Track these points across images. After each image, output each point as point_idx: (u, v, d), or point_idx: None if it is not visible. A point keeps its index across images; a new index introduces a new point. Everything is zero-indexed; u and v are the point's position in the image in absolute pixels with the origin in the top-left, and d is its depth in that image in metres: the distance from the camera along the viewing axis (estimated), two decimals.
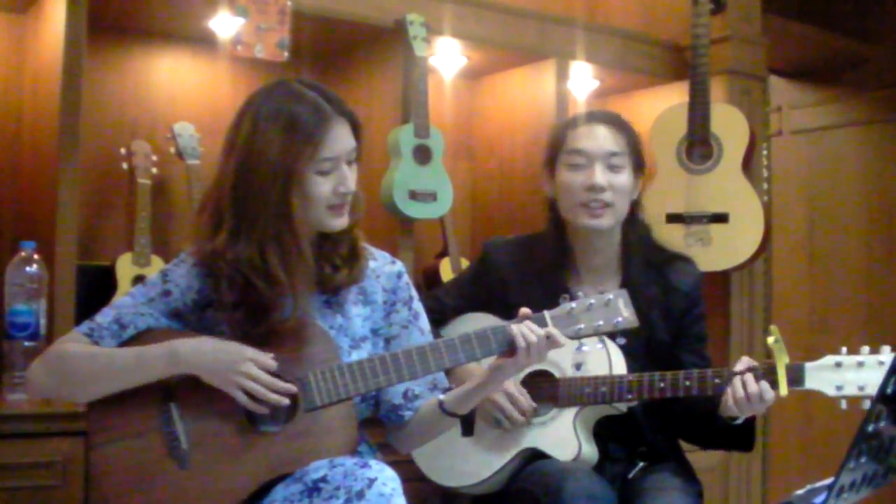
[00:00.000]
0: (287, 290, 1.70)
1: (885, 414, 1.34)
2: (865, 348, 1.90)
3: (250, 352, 1.66)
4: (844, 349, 1.91)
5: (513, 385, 2.08)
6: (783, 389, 1.90)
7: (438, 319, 2.22)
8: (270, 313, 1.71)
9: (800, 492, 1.45)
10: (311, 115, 1.69)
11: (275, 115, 1.69)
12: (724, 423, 2.01)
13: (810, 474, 1.71)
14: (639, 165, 2.20)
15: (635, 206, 2.21)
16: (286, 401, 1.65)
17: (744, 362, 1.98)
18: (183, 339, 1.68)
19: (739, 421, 2.00)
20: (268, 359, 1.66)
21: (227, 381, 1.64)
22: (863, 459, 1.35)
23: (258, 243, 1.68)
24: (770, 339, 1.90)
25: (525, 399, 2.08)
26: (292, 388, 1.66)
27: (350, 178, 1.74)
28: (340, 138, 1.72)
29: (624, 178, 2.15)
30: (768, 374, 1.92)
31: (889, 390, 1.32)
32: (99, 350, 1.71)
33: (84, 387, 1.71)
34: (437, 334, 2.11)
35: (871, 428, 1.32)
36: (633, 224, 2.22)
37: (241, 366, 1.64)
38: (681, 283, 2.18)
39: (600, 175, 2.12)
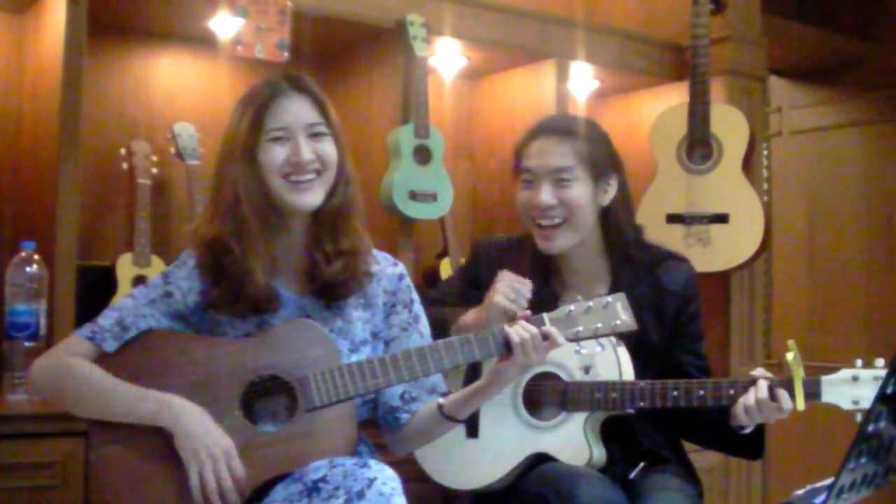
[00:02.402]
0: (240, 261, 1.72)
1: (885, 414, 1.34)
2: (880, 361, 1.89)
3: (234, 452, 1.64)
4: (860, 362, 1.90)
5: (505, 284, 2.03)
6: (800, 404, 1.90)
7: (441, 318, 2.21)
8: (242, 288, 1.72)
9: (800, 492, 1.45)
10: (262, 90, 1.76)
11: (238, 103, 1.79)
12: (733, 432, 2.00)
13: (810, 475, 1.72)
14: (601, 171, 2.12)
15: (613, 210, 2.16)
16: None
17: (759, 371, 1.97)
18: (185, 400, 1.66)
19: (749, 430, 2.00)
20: (241, 470, 1.63)
21: (192, 455, 1.63)
22: (863, 460, 1.35)
23: (220, 220, 1.74)
24: (789, 355, 1.88)
25: (524, 285, 2.03)
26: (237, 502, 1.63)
27: (306, 148, 1.74)
28: (291, 110, 1.75)
29: (575, 192, 2.09)
30: (784, 386, 1.92)
31: (889, 390, 1.32)
32: (98, 377, 1.70)
33: (80, 408, 1.74)
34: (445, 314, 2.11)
35: (871, 428, 1.32)
36: (614, 227, 2.16)
37: (214, 451, 1.62)
38: (673, 284, 2.15)
39: (546, 194, 2.08)
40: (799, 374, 1.90)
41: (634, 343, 2.10)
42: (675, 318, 2.15)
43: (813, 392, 1.91)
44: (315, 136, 1.76)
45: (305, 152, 1.73)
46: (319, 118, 1.77)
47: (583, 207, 2.10)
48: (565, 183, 2.09)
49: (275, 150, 1.73)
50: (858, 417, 1.88)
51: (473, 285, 2.23)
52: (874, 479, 1.41)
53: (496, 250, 2.25)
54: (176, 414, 1.65)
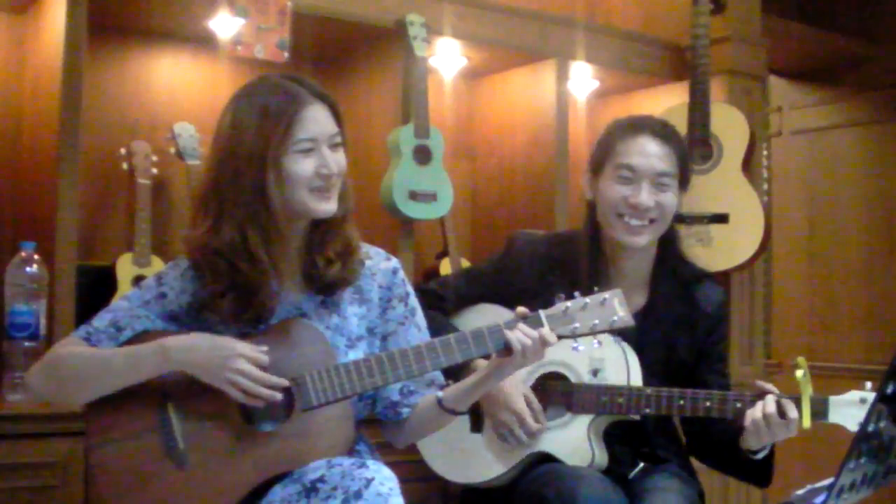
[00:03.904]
0: (269, 269, 1.72)
1: (885, 414, 1.34)
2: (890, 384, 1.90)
3: (241, 347, 1.66)
4: (869, 384, 1.91)
5: (520, 401, 2.05)
6: (806, 421, 1.91)
7: (437, 304, 2.20)
8: (256, 295, 1.72)
9: (800, 492, 1.46)
10: (283, 98, 1.72)
11: (250, 104, 1.73)
12: (744, 456, 2.01)
13: (810, 474, 1.71)
14: (684, 180, 2.16)
15: (672, 219, 2.17)
16: (278, 395, 1.65)
17: (766, 385, 1.98)
18: (175, 335, 1.68)
19: (761, 455, 2.00)
20: (259, 353, 1.66)
21: (218, 377, 1.64)
22: (863, 459, 1.35)
23: (239, 226, 1.70)
24: (799, 373, 1.89)
25: (531, 418, 2.05)
26: (284, 381, 1.66)
27: (332, 160, 1.74)
28: (316, 120, 1.73)
29: (670, 196, 2.11)
30: (791, 403, 1.92)
31: (889, 390, 1.32)
32: (93, 352, 1.71)
33: (80, 389, 1.72)
34: (438, 319, 2.10)
35: (871, 428, 1.32)
36: (669, 238, 2.18)
37: (232, 362, 1.64)
38: (708, 305, 2.17)
39: (646, 195, 2.08)
40: (807, 392, 1.90)
41: (663, 359, 2.12)
42: (706, 338, 2.17)
43: (820, 411, 1.92)
44: (334, 146, 1.76)
45: (333, 165, 1.74)
46: (337, 127, 1.77)
47: (671, 213, 2.13)
48: (664, 187, 2.10)
49: (303, 161, 1.71)
50: None
51: (504, 284, 2.19)
52: (874, 479, 1.41)
53: (538, 247, 2.21)
54: (176, 354, 1.65)
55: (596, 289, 1.78)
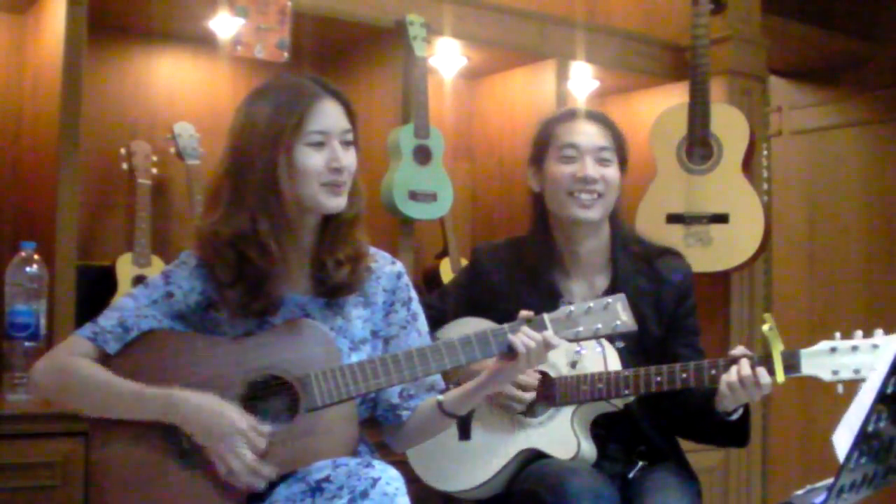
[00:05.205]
0: (278, 260, 1.72)
1: (885, 414, 1.34)
2: (859, 332, 1.91)
3: (245, 425, 1.64)
4: (838, 334, 1.93)
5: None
6: (780, 376, 1.92)
7: (436, 324, 2.22)
8: (264, 285, 1.73)
9: (800, 492, 1.46)
10: (296, 92, 1.75)
11: (265, 98, 1.76)
12: (720, 418, 2.02)
13: (810, 474, 1.72)
14: (623, 162, 2.24)
15: (619, 200, 2.24)
16: (262, 485, 1.64)
17: (739, 350, 2.00)
18: (186, 391, 1.66)
19: (735, 416, 2.01)
20: (260, 439, 1.64)
21: (213, 449, 1.64)
22: (863, 460, 1.35)
23: (250, 216, 1.72)
24: (765, 327, 1.92)
25: (528, 376, 2.07)
26: (273, 474, 1.64)
27: (343, 155, 1.75)
28: (329, 114, 1.75)
29: (613, 171, 2.19)
30: (764, 361, 1.94)
31: (889, 390, 1.32)
32: (102, 377, 1.70)
33: (82, 406, 1.74)
34: (433, 338, 2.11)
35: (871, 428, 1.32)
36: (619, 216, 2.25)
37: (231, 439, 1.62)
38: (672, 275, 2.21)
39: (592, 167, 2.16)
40: (777, 346, 1.92)
41: (636, 336, 2.12)
42: (674, 310, 2.20)
43: (792, 364, 1.93)
44: (346, 143, 1.77)
45: (343, 159, 1.74)
46: (350, 125, 1.79)
47: (615, 187, 2.20)
48: (606, 162, 2.19)
49: (314, 155, 1.72)
50: (840, 389, 1.90)
51: (478, 294, 2.25)
52: (874, 479, 1.41)
53: (500, 252, 2.28)
54: (181, 410, 1.65)
55: (561, 307, 1.80)
